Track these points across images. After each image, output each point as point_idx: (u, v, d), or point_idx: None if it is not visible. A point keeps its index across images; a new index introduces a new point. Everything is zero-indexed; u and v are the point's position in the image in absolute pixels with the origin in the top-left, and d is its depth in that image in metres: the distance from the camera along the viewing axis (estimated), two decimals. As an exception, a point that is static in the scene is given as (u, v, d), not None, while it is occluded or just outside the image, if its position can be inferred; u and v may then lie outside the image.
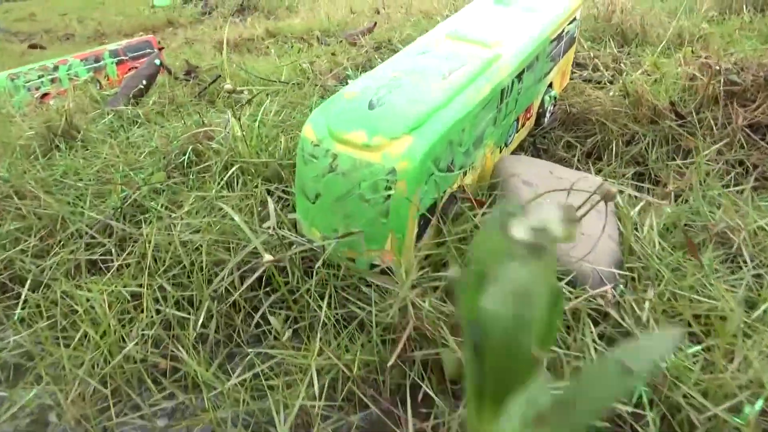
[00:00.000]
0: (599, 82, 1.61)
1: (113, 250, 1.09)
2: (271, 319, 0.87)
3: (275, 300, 0.95)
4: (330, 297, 0.94)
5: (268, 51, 2.76)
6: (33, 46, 4.50)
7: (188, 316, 0.93)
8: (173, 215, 1.13)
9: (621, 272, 0.89)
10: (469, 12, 1.35)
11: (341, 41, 2.55)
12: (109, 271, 1.05)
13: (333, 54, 2.21)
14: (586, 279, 0.87)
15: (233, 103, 1.51)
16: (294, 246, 0.99)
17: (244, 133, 1.29)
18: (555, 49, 1.35)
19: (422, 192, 0.94)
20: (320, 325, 0.91)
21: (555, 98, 1.43)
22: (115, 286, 0.98)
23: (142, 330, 0.92)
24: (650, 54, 1.76)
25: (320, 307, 0.93)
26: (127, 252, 1.08)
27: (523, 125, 1.33)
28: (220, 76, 1.95)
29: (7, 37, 5.68)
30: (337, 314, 0.93)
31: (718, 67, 1.32)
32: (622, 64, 1.70)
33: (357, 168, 0.92)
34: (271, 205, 0.95)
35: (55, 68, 2.04)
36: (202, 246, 1.02)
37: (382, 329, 0.87)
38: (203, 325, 0.93)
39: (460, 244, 0.99)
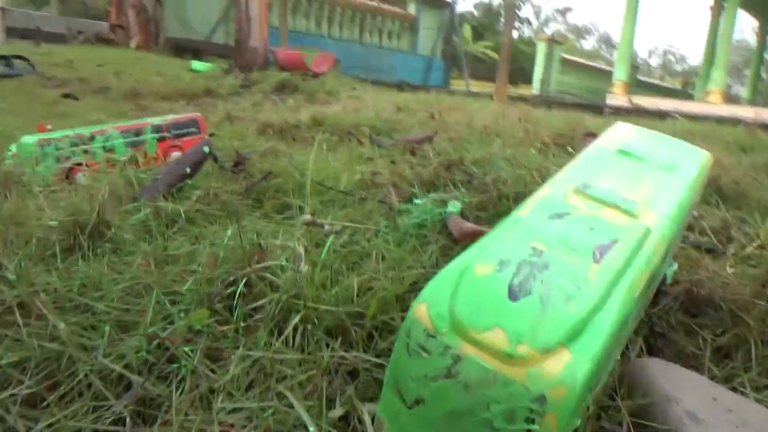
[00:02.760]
0: (712, 252, 1.39)
1: (128, 420, 0.82)
2: None
3: None
4: None
5: (314, 142, 2.59)
6: (66, 96, 4.39)
7: None
8: (212, 378, 0.87)
9: None
10: (591, 162, 1.15)
11: (394, 144, 2.38)
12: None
13: (392, 162, 2.02)
14: None
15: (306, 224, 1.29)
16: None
17: (308, 268, 1.06)
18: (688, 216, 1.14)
19: (573, 426, 0.68)
20: None
21: (675, 272, 1.21)
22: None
23: None
24: (760, 221, 1.56)
25: None
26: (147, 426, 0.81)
27: (645, 307, 1.09)
28: (271, 173, 1.74)
29: (42, 80, 5.63)
30: None
31: None
32: (732, 230, 1.49)
33: (489, 383, 0.67)
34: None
35: (92, 138, 1.85)
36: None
37: None
38: None
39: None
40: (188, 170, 1.60)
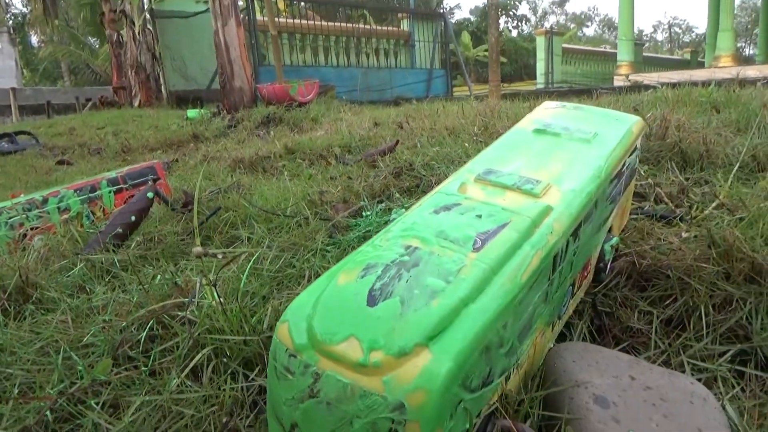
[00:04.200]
0: (667, 219, 1.31)
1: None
2: None
3: None
4: None
5: (283, 170, 2.57)
6: (61, 162, 4.49)
7: None
8: (111, 429, 0.83)
9: None
10: (504, 146, 1.09)
11: (360, 161, 2.35)
12: None
13: (349, 177, 1.99)
14: None
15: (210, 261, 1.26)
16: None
17: (222, 300, 1.02)
18: (615, 188, 1.07)
19: (447, 430, 0.62)
20: None
21: (617, 246, 1.13)
22: None
23: None
24: (722, 179, 1.46)
25: None
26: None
27: (579, 287, 1.02)
28: (220, 208, 1.73)
29: (43, 151, 5.79)
30: None
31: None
32: (690, 194, 1.40)
33: (348, 397, 0.62)
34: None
35: (45, 201, 1.87)
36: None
37: None
38: None
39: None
40: (133, 219, 1.59)
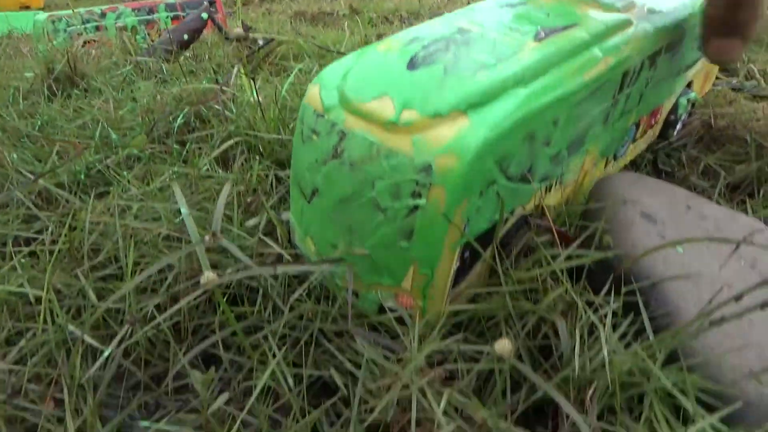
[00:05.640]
0: (755, 96, 1.17)
1: (51, 228, 0.81)
2: (193, 374, 0.54)
3: (222, 338, 0.63)
4: (303, 351, 0.60)
5: (344, 27, 2.46)
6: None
7: (99, 345, 0.62)
8: (132, 192, 0.83)
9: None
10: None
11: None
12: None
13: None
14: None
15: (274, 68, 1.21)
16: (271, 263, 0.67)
17: (257, 95, 0.98)
18: (706, 31, 0.94)
19: (472, 208, 0.58)
20: (268, 394, 0.58)
21: (693, 103, 1.02)
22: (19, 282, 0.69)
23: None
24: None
25: (290, 363, 0.60)
26: (62, 235, 0.79)
27: (643, 134, 0.93)
28: (273, 39, 1.66)
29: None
30: (306, 377, 0.59)
31: None
32: (788, 74, 1.24)
33: (372, 157, 0.57)
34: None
35: (103, 15, 1.84)
36: (149, 241, 0.72)
37: (367, 427, 0.52)
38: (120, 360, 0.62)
39: (524, 297, 0.62)
40: (186, 37, 1.55)
